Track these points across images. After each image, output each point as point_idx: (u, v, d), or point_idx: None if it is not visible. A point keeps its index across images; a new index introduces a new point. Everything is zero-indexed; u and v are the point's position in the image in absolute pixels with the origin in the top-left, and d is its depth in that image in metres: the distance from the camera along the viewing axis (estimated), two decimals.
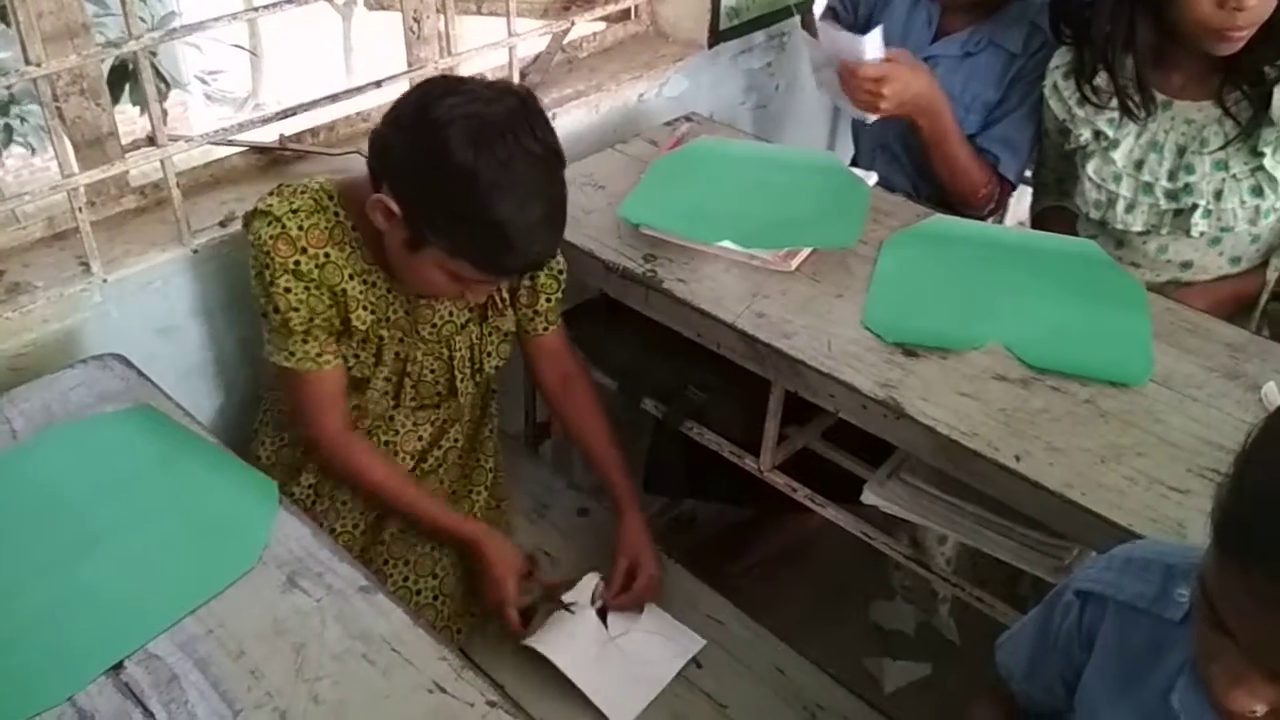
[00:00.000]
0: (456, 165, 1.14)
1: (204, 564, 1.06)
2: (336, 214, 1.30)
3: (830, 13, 1.81)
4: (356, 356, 1.37)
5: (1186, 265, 1.59)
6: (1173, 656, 0.90)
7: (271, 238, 1.25)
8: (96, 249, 1.38)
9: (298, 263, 1.26)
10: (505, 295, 1.44)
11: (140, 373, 1.30)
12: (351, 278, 1.30)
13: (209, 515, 1.11)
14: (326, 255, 1.28)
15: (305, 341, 1.29)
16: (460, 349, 1.42)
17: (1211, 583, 0.72)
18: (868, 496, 1.44)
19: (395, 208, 1.20)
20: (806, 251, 1.51)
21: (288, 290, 1.26)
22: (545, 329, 1.50)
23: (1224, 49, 1.41)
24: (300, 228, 1.26)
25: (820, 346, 1.35)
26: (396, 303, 1.36)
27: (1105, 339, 1.35)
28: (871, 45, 1.56)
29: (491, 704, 0.95)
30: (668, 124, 1.87)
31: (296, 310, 1.27)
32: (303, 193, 1.28)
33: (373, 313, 1.33)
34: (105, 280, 1.40)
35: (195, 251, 1.47)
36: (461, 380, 1.44)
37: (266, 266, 1.26)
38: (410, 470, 1.46)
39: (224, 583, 1.04)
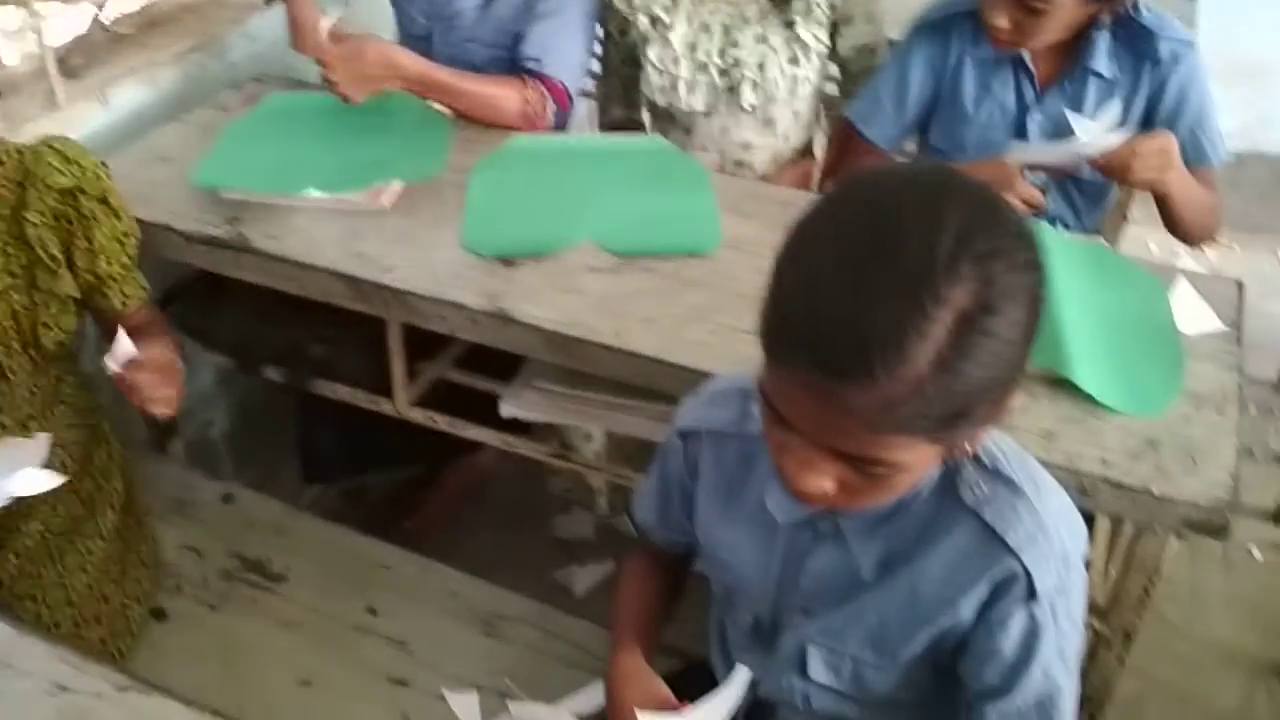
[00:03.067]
0: None
1: None
2: None
3: None
4: None
5: (746, 146, 1.76)
6: (760, 468, 1.01)
7: None
8: None
9: None
10: (55, 253, 1.27)
11: None
12: None
13: None
14: None
15: None
16: (2, 319, 1.26)
17: (767, 383, 0.81)
18: (505, 409, 1.49)
19: None
20: (397, 188, 1.52)
21: None
22: (122, 305, 1.33)
23: None
24: None
25: (424, 274, 1.37)
26: None
27: (679, 218, 1.47)
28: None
29: (123, 689, 0.90)
30: (236, 87, 1.80)
31: None
32: None
33: None
34: None
35: None
36: (8, 356, 1.27)
37: None
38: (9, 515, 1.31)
39: None
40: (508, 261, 1.40)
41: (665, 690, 1.01)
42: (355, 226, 1.46)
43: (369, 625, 1.42)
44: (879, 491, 0.84)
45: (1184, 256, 2.64)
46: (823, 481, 0.81)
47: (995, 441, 0.93)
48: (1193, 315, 1.24)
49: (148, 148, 1.61)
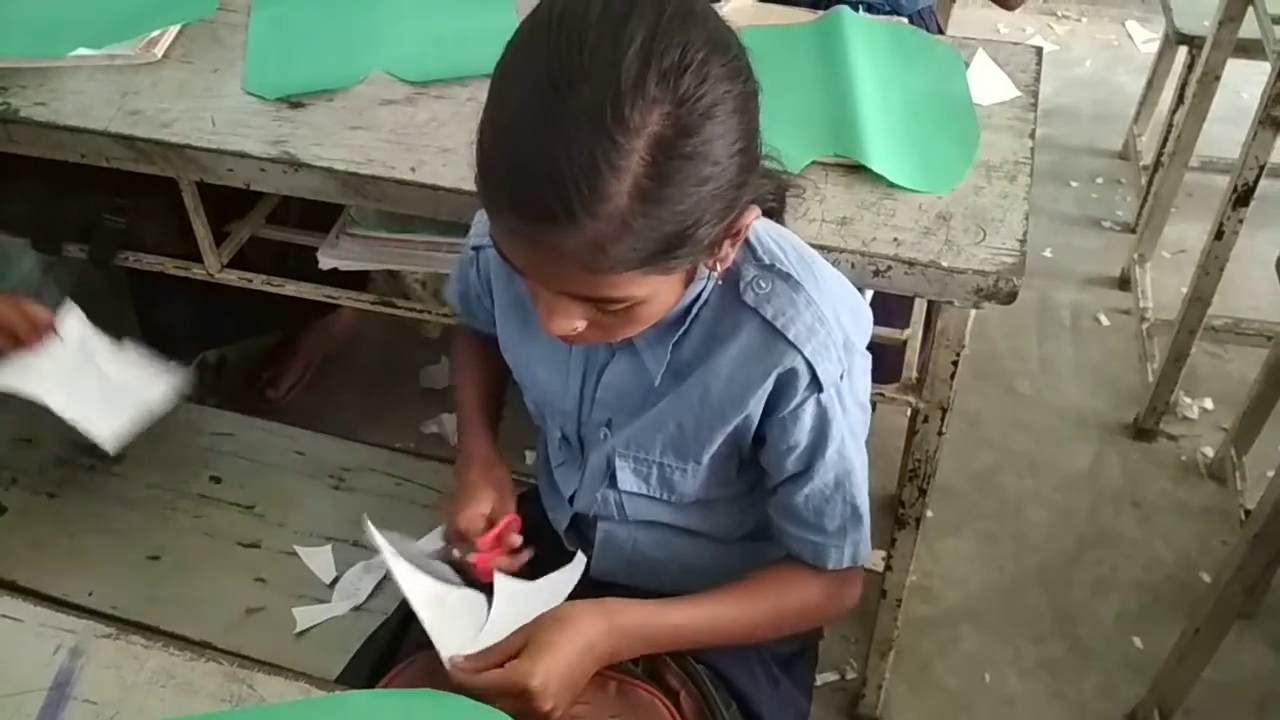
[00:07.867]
0: None
1: None
2: None
3: None
4: None
5: None
6: None
7: None
8: None
9: None
10: None
11: None
12: None
13: None
14: None
15: None
16: None
17: (493, 230, 0.78)
18: (324, 261, 1.44)
19: None
20: (172, 35, 1.41)
21: None
22: None
23: None
24: None
25: (204, 125, 1.29)
26: None
27: (476, 40, 1.39)
28: None
29: None
30: None
31: None
32: None
33: None
34: None
35: None
36: None
37: None
38: None
39: None
40: (294, 103, 1.32)
41: (503, 474, 1.06)
42: (130, 82, 1.36)
43: (214, 493, 1.41)
44: (631, 324, 0.84)
45: (1035, 35, 2.63)
46: (572, 323, 0.80)
47: (775, 237, 0.93)
48: (990, 85, 1.23)
49: None
